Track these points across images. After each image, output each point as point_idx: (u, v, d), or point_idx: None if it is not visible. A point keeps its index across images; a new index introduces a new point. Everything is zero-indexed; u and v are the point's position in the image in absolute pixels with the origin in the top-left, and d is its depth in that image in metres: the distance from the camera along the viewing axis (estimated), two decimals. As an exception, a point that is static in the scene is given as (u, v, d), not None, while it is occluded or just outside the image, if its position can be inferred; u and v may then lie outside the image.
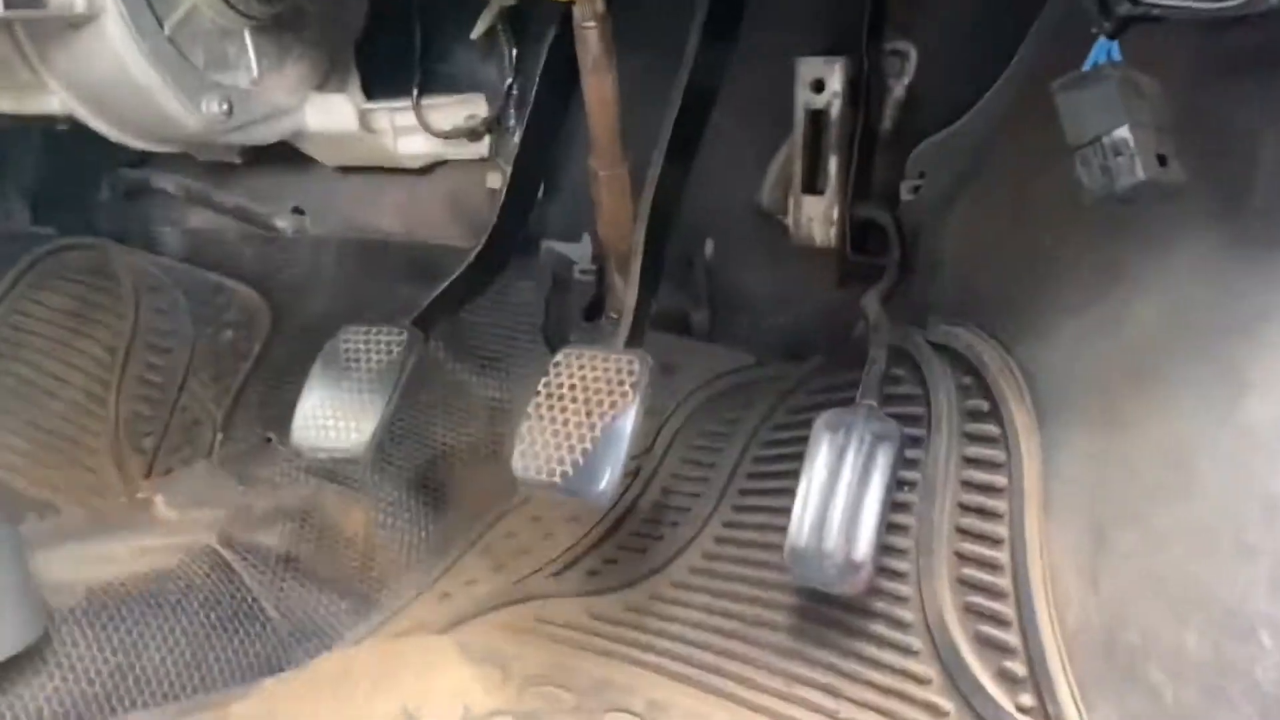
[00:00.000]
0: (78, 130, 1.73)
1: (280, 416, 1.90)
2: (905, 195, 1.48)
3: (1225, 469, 0.86)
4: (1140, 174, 0.80)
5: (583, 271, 1.79)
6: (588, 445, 1.12)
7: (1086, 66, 0.85)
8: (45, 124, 1.70)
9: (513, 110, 1.77)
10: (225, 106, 1.55)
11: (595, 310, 1.77)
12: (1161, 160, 0.81)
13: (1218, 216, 0.89)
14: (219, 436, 1.89)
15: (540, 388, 1.19)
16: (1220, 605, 0.83)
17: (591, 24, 1.31)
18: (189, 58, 1.51)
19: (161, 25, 1.45)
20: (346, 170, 1.99)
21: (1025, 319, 1.10)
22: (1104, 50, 0.84)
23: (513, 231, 1.62)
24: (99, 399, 2.01)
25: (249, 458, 1.77)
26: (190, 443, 1.92)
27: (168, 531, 1.55)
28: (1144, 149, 0.80)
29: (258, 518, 1.59)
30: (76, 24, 1.39)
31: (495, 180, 1.84)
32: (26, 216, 2.37)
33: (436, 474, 1.72)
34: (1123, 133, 0.80)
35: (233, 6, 1.54)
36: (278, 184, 2.09)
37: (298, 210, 2.09)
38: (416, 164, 1.87)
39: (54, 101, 1.54)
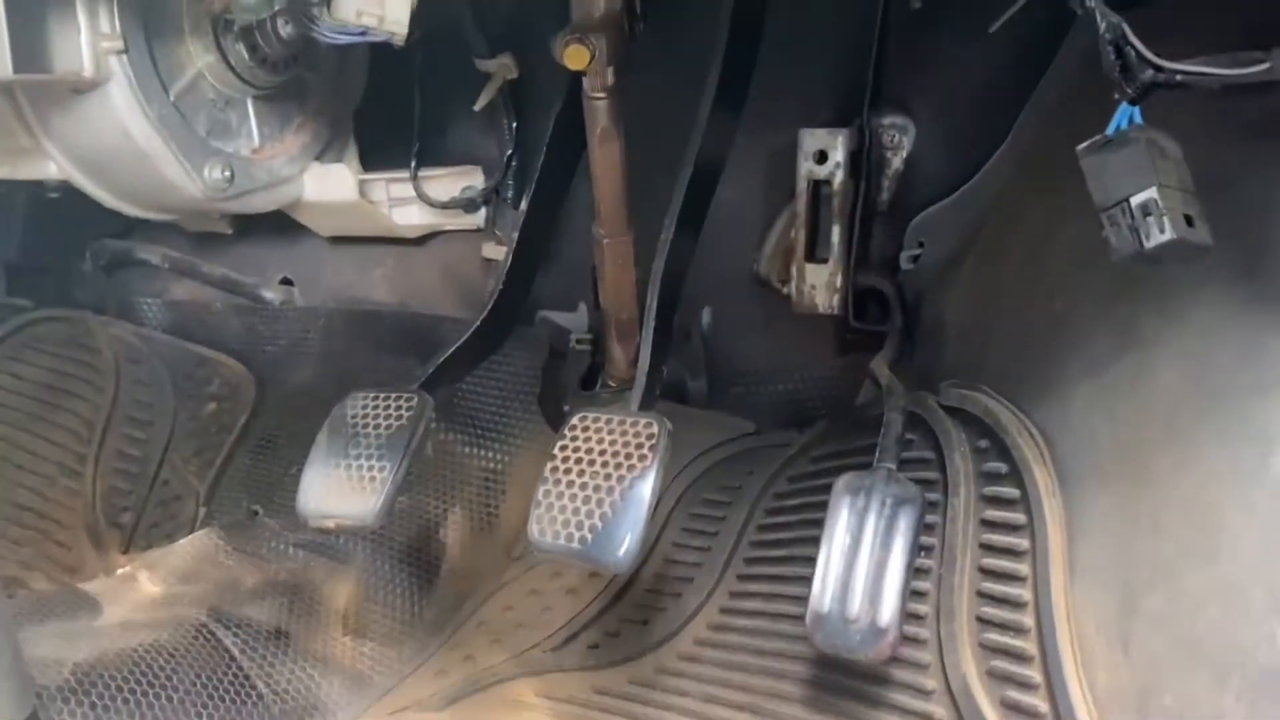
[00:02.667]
0: (62, 199, 1.71)
1: (266, 489, 1.87)
2: (905, 264, 1.51)
3: (1258, 527, 0.86)
4: (1169, 233, 0.82)
5: (579, 341, 1.78)
6: (606, 510, 1.10)
7: (1109, 130, 0.87)
8: (33, 190, 1.68)
9: (510, 182, 1.78)
10: (227, 174, 1.55)
11: (591, 379, 1.76)
12: (1189, 220, 0.83)
13: (1237, 278, 0.91)
14: (202, 510, 1.84)
15: (555, 451, 1.17)
16: (1257, 666, 0.83)
17: (601, 95, 1.33)
18: (192, 124, 1.50)
19: (167, 92, 1.45)
20: (336, 240, 1.98)
21: (1041, 382, 1.11)
22: (1126, 115, 0.86)
23: (516, 301, 1.61)
24: (74, 473, 1.94)
25: (235, 531, 1.72)
26: (171, 518, 1.86)
27: (154, 606, 1.50)
28: (1172, 209, 0.82)
29: (246, 592, 1.54)
30: (81, 89, 1.39)
31: (490, 250, 1.85)
32: (2, 287, 2.31)
33: (428, 546, 1.68)
34: (1151, 193, 0.82)
35: (237, 75, 1.54)
36: (266, 255, 2.07)
37: (286, 281, 2.07)
38: (412, 234, 1.87)
39: (50, 167, 1.52)
